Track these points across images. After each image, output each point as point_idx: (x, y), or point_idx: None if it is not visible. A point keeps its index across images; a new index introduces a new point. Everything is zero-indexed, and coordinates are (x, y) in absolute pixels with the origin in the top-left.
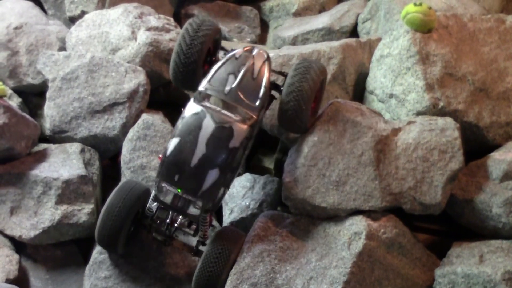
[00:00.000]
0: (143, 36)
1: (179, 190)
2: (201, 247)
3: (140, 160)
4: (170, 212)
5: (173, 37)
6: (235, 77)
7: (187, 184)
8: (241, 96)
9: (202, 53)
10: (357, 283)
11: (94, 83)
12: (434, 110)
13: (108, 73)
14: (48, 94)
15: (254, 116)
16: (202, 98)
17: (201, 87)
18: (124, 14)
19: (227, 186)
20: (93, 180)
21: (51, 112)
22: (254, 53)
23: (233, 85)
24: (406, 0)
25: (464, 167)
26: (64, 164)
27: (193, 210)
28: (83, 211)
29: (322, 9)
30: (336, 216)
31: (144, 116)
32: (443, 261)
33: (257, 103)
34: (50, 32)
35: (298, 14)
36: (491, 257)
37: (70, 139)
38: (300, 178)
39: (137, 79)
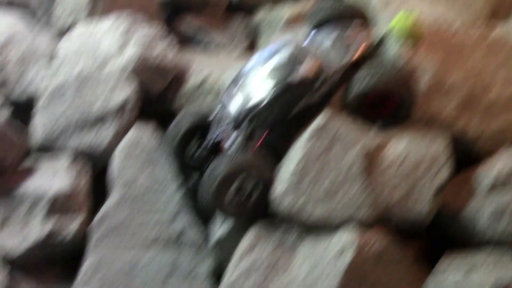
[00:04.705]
0: (132, 50)
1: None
2: None
3: (129, 173)
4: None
5: (163, 50)
6: (334, 41)
7: (242, 92)
8: (329, 54)
9: None
10: None
11: (83, 97)
12: (422, 122)
13: (97, 87)
14: (37, 108)
15: (327, 72)
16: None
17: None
18: (113, 27)
19: (276, 119)
20: (82, 194)
21: (40, 126)
22: (362, 31)
23: (328, 44)
24: (394, 11)
25: (452, 178)
26: (53, 178)
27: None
28: (72, 225)
29: None
30: (326, 228)
31: (133, 130)
32: (432, 273)
33: (339, 65)
34: (39, 45)
35: (287, 26)
36: (480, 268)
37: (59, 153)
38: (290, 190)
39: (126, 92)
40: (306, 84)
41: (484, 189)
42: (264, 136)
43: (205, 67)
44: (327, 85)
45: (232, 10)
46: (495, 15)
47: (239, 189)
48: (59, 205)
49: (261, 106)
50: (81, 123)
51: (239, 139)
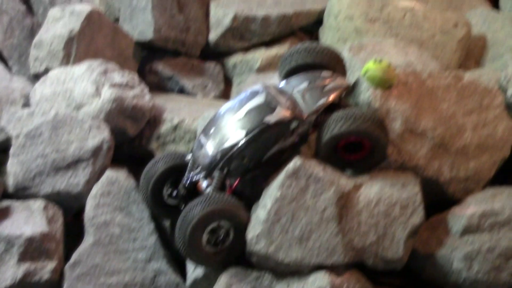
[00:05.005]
0: (107, 93)
1: None
2: None
3: (104, 216)
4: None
5: (137, 94)
6: (309, 84)
7: (215, 137)
8: (304, 97)
9: None
10: None
11: (58, 140)
12: (395, 165)
13: (72, 130)
14: (11, 151)
15: (302, 114)
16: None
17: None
18: (88, 71)
19: (250, 161)
20: (56, 237)
21: (15, 169)
22: (337, 77)
23: (303, 87)
24: (366, 57)
25: (425, 221)
26: (27, 221)
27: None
28: (46, 269)
29: None
30: (300, 271)
31: (108, 173)
32: None
33: (313, 108)
34: (14, 88)
35: (261, 70)
36: None
37: (34, 196)
38: (263, 233)
39: (101, 135)
40: (282, 126)
41: (456, 233)
42: (237, 181)
43: (180, 111)
44: (302, 127)
45: (207, 55)
46: (464, 65)
47: (212, 234)
48: (33, 247)
49: (238, 146)
50: (56, 165)
51: (213, 185)
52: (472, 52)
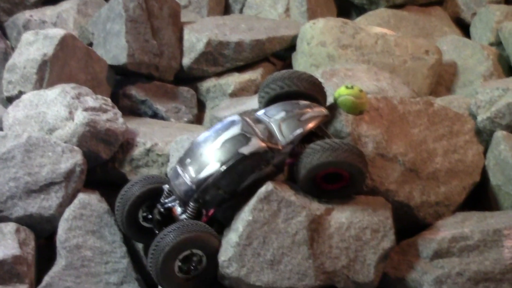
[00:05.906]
0: (80, 116)
1: None
2: None
3: (76, 239)
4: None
5: (110, 117)
6: (286, 113)
7: (191, 167)
8: (280, 127)
9: None
10: None
11: (30, 163)
12: (366, 190)
13: (44, 153)
14: None
15: (278, 145)
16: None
17: (257, 113)
18: (61, 95)
19: (226, 192)
20: (28, 260)
21: None
22: (315, 107)
23: (280, 117)
24: (338, 83)
25: (395, 245)
26: None
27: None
28: None
29: (258, 90)
30: None
31: (81, 196)
32: None
33: (289, 138)
34: None
35: (234, 94)
36: None
37: (5, 219)
38: (235, 257)
39: (73, 159)
40: (258, 156)
41: (427, 257)
42: (212, 211)
43: (153, 135)
44: (278, 157)
45: (180, 79)
46: (434, 91)
47: (185, 262)
48: (5, 270)
49: (213, 177)
50: (29, 188)
51: (187, 214)
52: (443, 79)
